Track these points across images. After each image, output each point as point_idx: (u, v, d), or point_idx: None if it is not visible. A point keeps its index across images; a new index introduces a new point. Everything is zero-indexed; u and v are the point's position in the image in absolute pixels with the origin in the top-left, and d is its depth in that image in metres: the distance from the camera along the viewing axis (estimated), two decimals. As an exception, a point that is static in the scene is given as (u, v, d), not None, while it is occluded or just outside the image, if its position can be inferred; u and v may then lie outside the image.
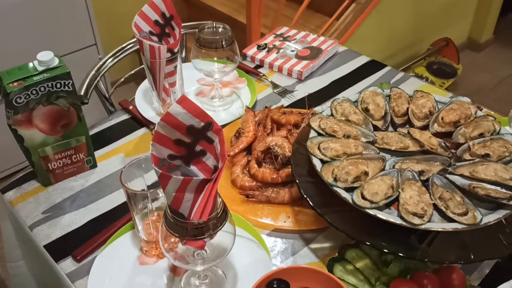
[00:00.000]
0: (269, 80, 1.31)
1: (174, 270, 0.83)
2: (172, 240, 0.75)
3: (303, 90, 1.28)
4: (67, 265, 0.84)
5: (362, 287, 0.79)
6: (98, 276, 0.81)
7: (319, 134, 0.88)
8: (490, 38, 3.35)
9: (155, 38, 1.09)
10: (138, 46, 1.26)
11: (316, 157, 0.82)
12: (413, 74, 2.65)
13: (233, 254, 0.85)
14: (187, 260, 0.75)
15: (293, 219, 0.91)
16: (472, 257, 0.72)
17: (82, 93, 1.16)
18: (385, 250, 0.74)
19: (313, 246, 0.88)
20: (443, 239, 0.75)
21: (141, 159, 0.81)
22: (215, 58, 1.14)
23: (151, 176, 0.83)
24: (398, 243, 0.74)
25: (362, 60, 1.40)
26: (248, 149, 1.03)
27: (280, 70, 1.35)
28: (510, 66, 3.18)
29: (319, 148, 0.84)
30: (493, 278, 0.79)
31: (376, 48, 2.65)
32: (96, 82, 1.24)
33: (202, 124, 0.64)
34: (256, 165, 0.97)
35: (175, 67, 1.10)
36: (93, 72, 1.24)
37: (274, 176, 0.95)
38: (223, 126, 1.13)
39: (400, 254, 0.73)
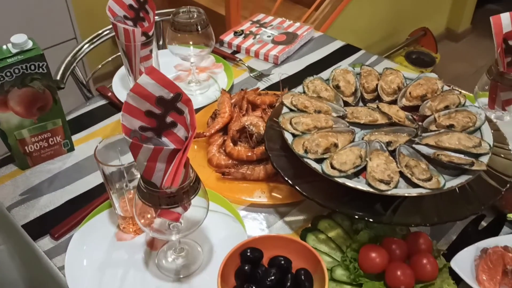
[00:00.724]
0: (246, 65, 1.33)
1: (151, 245, 0.85)
2: (149, 216, 0.77)
3: (278, 74, 1.30)
4: (45, 243, 0.85)
5: (334, 254, 0.81)
6: (76, 252, 0.82)
7: (291, 110, 0.90)
8: (468, 28, 3.41)
9: (129, 23, 1.10)
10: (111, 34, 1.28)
11: (288, 132, 0.85)
12: (386, 56, 2.68)
13: (209, 228, 0.87)
14: (164, 233, 0.77)
15: (268, 194, 0.93)
16: (436, 219, 0.75)
17: (58, 77, 1.17)
18: (354, 216, 0.76)
19: (287, 219, 0.90)
20: (409, 204, 0.77)
21: (116, 140, 0.83)
22: (191, 42, 1.16)
23: (128, 158, 0.84)
24: (366, 210, 0.77)
25: (337, 44, 1.43)
26: (224, 130, 1.05)
27: (256, 55, 1.37)
28: (487, 55, 3.24)
29: (290, 123, 0.86)
30: (459, 244, 0.82)
31: (355, 39, 2.68)
32: (72, 67, 1.25)
33: (172, 95, 0.66)
34: (231, 144, 0.99)
35: (151, 51, 1.11)
36: (69, 58, 1.24)
37: (249, 154, 0.97)
38: (200, 109, 1.15)
39: (368, 219, 0.76)
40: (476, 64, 3.15)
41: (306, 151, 0.81)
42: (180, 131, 0.69)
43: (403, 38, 3.00)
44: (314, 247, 0.81)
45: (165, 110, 0.67)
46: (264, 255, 0.77)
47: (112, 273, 0.80)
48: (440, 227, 0.87)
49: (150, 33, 1.08)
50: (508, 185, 0.80)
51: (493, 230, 0.86)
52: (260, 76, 1.29)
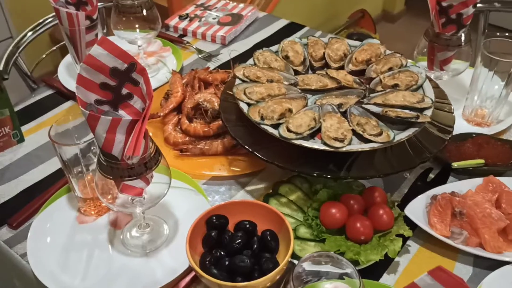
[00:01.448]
0: (194, 47, 1.34)
1: (115, 224, 0.84)
2: (109, 196, 0.77)
3: (227, 54, 1.31)
4: (3, 233, 0.83)
5: (296, 215, 0.84)
6: (37, 239, 0.80)
7: (244, 82, 0.92)
8: (402, 10, 3.55)
9: (72, 8, 1.07)
10: (57, 21, 1.24)
11: (243, 102, 0.86)
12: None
13: (172, 203, 0.87)
14: (129, 209, 0.77)
15: (228, 167, 0.94)
16: (388, 170, 0.80)
17: (1, 68, 1.12)
18: (313, 175, 0.80)
19: (248, 188, 0.92)
20: (362, 159, 0.81)
21: (70, 127, 0.82)
22: (137, 26, 1.15)
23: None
24: (323, 169, 0.80)
25: (282, 23, 1.46)
26: (178, 109, 1.05)
27: (203, 37, 1.37)
28: (422, 34, 3.41)
29: (245, 94, 0.88)
30: (411, 195, 0.87)
31: (298, 21, 2.74)
32: (15, 57, 1.20)
33: (126, 65, 0.65)
34: (187, 121, 1.00)
35: (96, 35, 1.09)
36: (10, 47, 1.20)
37: (206, 129, 0.98)
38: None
39: (326, 176, 0.79)
40: (413, 43, 3.22)
41: (262, 118, 0.83)
42: (137, 103, 0.69)
43: (343, 20, 3.09)
44: (276, 210, 0.84)
45: (120, 81, 0.66)
46: (230, 221, 0.79)
47: (77, 255, 0.79)
48: (393, 182, 0.92)
49: (94, 17, 1.07)
50: (450, 134, 0.85)
51: (441, 180, 0.92)
52: (209, 56, 1.30)
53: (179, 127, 1.01)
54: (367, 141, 0.79)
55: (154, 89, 1.15)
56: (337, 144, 0.78)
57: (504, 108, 1.06)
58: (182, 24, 1.41)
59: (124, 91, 0.68)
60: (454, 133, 0.98)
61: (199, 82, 1.10)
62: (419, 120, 0.81)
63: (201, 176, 0.94)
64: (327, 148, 0.78)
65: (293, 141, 0.79)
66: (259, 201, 0.80)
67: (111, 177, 0.69)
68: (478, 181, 0.88)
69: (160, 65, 1.26)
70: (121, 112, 0.70)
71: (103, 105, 0.68)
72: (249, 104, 0.86)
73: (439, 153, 0.94)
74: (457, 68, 1.03)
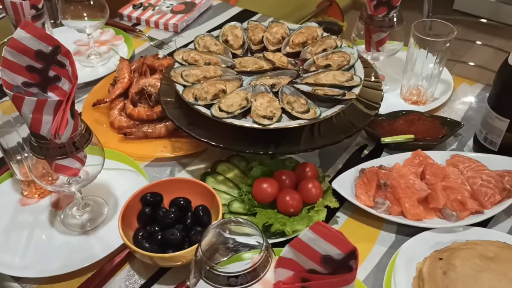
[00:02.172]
0: (146, 35, 1.36)
1: (56, 205, 0.87)
2: (50, 178, 0.79)
3: (180, 42, 1.34)
4: None
5: (232, 192, 0.88)
6: (-22, 221, 0.83)
7: (183, 65, 0.95)
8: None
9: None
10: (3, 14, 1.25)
11: (179, 84, 0.89)
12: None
13: (112, 184, 0.90)
14: (66, 189, 0.79)
15: (170, 149, 0.98)
16: (316, 145, 0.83)
17: None
18: (244, 151, 0.83)
19: (189, 168, 0.95)
20: (293, 136, 0.85)
21: (11, 119, 0.84)
22: (85, 15, 1.17)
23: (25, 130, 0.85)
24: (254, 146, 0.84)
25: (235, 10, 1.49)
26: (125, 95, 1.08)
27: (156, 25, 1.40)
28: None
29: (182, 77, 0.91)
30: (344, 170, 0.91)
31: (268, 10, 2.77)
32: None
33: (50, 48, 0.68)
34: (131, 106, 1.03)
35: (43, 24, 1.11)
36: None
37: (149, 113, 1.01)
38: (101, 78, 1.17)
39: (255, 152, 0.83)
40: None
41: (196, 99, 0.86)
42: (65, 85, 0.72)
43: (311, 9, 3.12)
44: (213, 188, 0.87)
45: (46, 64, 0.69)
46: (165, 199, 0.82)
47: (18, 235, 0.82)
48: (329, 159, 0.96)
49: (40, 6, 1.08)
50: (377, 110, 0.90)
51: (374, 156, 0.96)
52: (161, 44, 1.33)
53: (124, 111, 1.04)
54: (295, 118, 0.83)
55: (104, 76, 1.17)
56: (266, 121, 0.82)
57: (440, 87, 1.11)
58: (136, 13, 1.43)
59: (51, 73, 0.70)
60: (392, 111, 1.04)
61: (146, 68, 1.13)
62: (345, 98, 0.85)
63: (144, 158, 0.97)
64: (255, 125, 0.81)
65: (224, 120, 0.82)
66: (192, 179, 0.84)
67: (42, 157, 0.71)
68: (408, 155, 0.93)
69: (112, 53, 1.28)
70: (50, 94, 0.72)
71: (31, 87, 0.70)
72: (185, 86, 0.89)
73: (373, 130, 0.99)
74: (392, 49, 1.08)
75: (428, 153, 0.92)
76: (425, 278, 0.71)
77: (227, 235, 0.64)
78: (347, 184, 0.87)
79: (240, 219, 0.58)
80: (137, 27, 1.41)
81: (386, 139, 0.95)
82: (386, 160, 0.92)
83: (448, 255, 0.73)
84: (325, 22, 3.06)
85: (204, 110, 0.84)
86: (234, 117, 0.83)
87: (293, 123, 0.82)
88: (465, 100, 1.11)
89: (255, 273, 0.55)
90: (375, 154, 0.97)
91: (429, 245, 0.78)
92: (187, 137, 0.98)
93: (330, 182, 0.87)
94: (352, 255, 0.49)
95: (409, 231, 0.81)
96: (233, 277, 0.55)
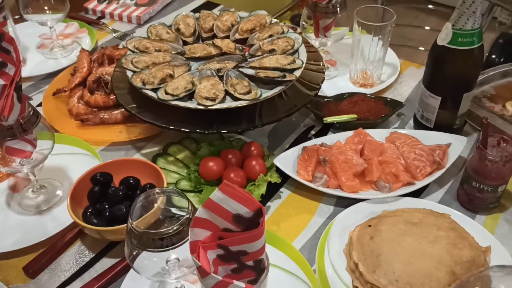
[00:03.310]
0: (110, 28, 1.40)
1: (13, 188, 0.91)
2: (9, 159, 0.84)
3: (143, 33, 1.37)
4: None
5: (182, 171, 0.92)
6: None
7: (134, 53, 0.99)
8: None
9: (-24, -8, 1.12)
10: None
11: (129, 70, 0.94)
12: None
13: (68, 167, 0.95)
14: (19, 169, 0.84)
15: (126, 133, 1.02)
16: (257, 123, 0.88)
17: None
18: (187, 130, 0.88)
19: (143, 151, 1.00)
20: (236, 115, 0.89)
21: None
22: (46, 8, 1.21)
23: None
24: (199, 126, 0.88)
25: (198, 2, 1.53)
26: (85, 84, 1.12)
27: (120, 18, 1.44)
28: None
29: (132, 63, 0.95)
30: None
31: (243, 4, 2.81)
32: None
33: (-6, 35, 0.72)
34: (89, 94, 1.07)
35: (4, 17, 1.15)
36: None
37: (105, 100, 1.05)
38: (63, 69, 1.21)
39: (201, 131, 0.87)
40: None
41: (144, 83, 0.90)
42: (11, 70, 0.76)
43: (287, 1, 3.16)
44: (163, 168, 0.92)
45: (-9, 51, 0.73)
46: (116, 178, 0.87)
47: (-26, 216, 0.86)
48: (276, 139, 1.01)
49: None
50: (317, 91, 0.94)
51: (320, 136, 1.01)
52: (123, 36, 1.37)
53: (82, 99, 1.08)
54: (238, 99, 0.88)
55: (66, 67, 1.22)
56: (208, 103, 0.86)
57: (387, 70, 1.17)
58: (100, 7, 1.47)
59: (-3, 59, 0.74)
60: (338, 93, 1.09)
61: (104, 58, 1.17)
62: (285, 79, 0.90)
63: (101, 143, 1.01)
64: (199, 106, 0.86)
65: (170, 102, 0.87)
66: (141, 159, 0.88)
67: (-9, 139, 0.75)
68: (351, 133, 0.98)
69: (75, 45, 1.32)
70: (-3, 79, 0.76)
71: (-22, 73, 0.75)
72: (134, 72, 0.93)
73: (319, 111, 1.03)
74: (338, 34, 1.12)
75: (370, 131, 0.97)
76: (353, 243, 0.76)
77: (171, 209, 0.68)
78: (290, 161, 0.92)
79: (165, 188, 0.63)
80: (102, 20, 1.44)
81: (328, 119, 1.00)
82: (330, 138, 0.97)
83: (376, 222, 0.78)
84: (299, 15, 3.10)
85: (151, 93, 0.89)
86: (180, 99, 0.88)
87: (235, 104, 0.87)
88: (411, 83, 1.16)
89: (180, 235, 0.60)
90: (321, 134, 1.02)
91: (363, 215, 0.83)
92: (141, 122, 1.02)
93: (277, 160, 0.92)
94: (259, 212, 0.54)
95: (346, 203, 0.86)
96: (159, 239, 0.59)
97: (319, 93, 1.09)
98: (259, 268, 0.58)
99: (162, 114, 0.90)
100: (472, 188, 0.82)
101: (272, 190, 0.90)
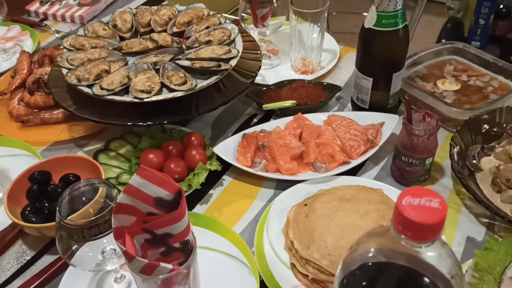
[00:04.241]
0: (53, 29, 1.39)
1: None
2: None
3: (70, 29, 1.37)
4: None
5: (124, 166, 0.93)
6: None
7: (70, 51, 0.99)
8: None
9: None
10: None
11: (64, 68, 0.94)
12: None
13: (10, 169, 0.95)
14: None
15: (67, 132, 1.02)
16: (193, 112, 0.89)
17: None
18: (123, 124, 0.89)
19: (86, 148, 1.00)
20: (174, 107, 0.90)
21: None
22: (-17, 11, 1.19)
23: None
24: (136, 119, 0.89)
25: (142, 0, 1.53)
26: (25, 86, 1.11)
27: (63, 18, 1.43)
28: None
29: (68, 61, 0.95)
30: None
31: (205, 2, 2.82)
32: None
33: None
34: (28, 94, 1.06)
35: None
36: None
37: (45, 100, 1.05)
38: (4, 72, 1.19)
39: (134, 124, 0.88)
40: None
41: (79, 80, 0.91)
42: None
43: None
44: (105, 163, 0.92)
45: None
46: (56, 176, 0.87)
47: None
48: (219, 128, 1.03)
49: None
50: (253, 79, 0.96)
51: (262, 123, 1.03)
52: (66, 36, 1.35)
53: (23, 101, 1.07)
54: (173, 90, 0.89)
55: (8, 70, 1.20)
56: (144, 95, 0.87)
57: (328, 57, 1.20)
58: (43, 8, 1.45)
59: None
60: (278, 81, 1.11)
61: (45, 59, 1.16)
62: (220, 68, 0.91)
63: (43, 143, 1.01)
64: (134, 99, 0.87)
65: (105, 97, 0.87)
66: (79, 155, 0.88)
67: None
68: (290, 119, 1.00)
69: (18, 48, 1.30)
70: None
71: None
72: (70, 69, 0.93)
73: (260, 99, 1.06)
74: (275, 23, 1.15)
75: (310, 115, 1.00)
76: (290, 222, 0.79)
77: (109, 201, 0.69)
78: (231, 149, 0.94)
79: (91, 180, 0.64)
80: (45, 21, 1.43)
81: (268, 105, 1.02)
82: (270, 125, 0.99)
83: (311, 201, 0.81)
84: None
85: (86, 89, 0.89)
86: (115, 94, 0.88)
87: (171, 95, 0.88)
88: (350, 67, 1.19)
89: (108, 224, 0.61)
90: (263, 122, 1.04)
91: (301, 196, 0.85)
92: (80, 119, 1.02)
93: (219, 149, 0.94)
94: (179, 194, 0.55)
95: (287, 186, 0.88)
96: (87, 229, 0.60)
97: (261, 82, 1.12)
98: (187, 249, 0.60)
99: (99, 110, 0.90)
100: (402, 162, 0.85)
101: (214, 178, 0.92)
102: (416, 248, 0.37)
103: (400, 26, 0.89)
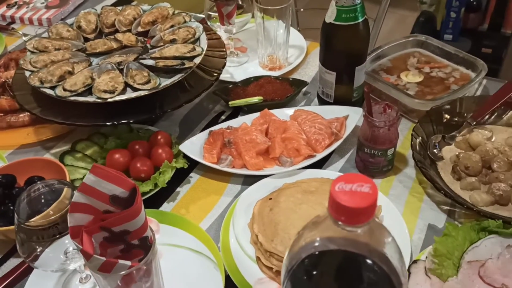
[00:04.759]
0: (20, 32, 1.38)
1: None
2: None
3: (35, 30, 1.36)
4: None
5: (90, 167, 0.92)
6: None
7: (34, 53, 0.98)
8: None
9: None
10: None
11: (27, 70, 0.93)
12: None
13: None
14: None
15: (34, 134, 1.01)
16: (158, 111, 0.90)
17: None
18: (90, 125, 0.89)
19: (53, 151, 0.99)
20: (139, 107, 0.91)
21: None
22: None
23: None
24: (101, 119, 0.89)
25: (111, 1, 1.52)
26: (-9, 90, 1.10)
27: (31, 21, 1.41)
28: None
29: (31, 63, 0.95)
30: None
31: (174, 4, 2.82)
32: None
33: None
34: (-7, 99, 1.05)
35: None
36: None
37: (11, 104, 1.04)
38: (-31, 77, 1.18)
39: (100, 124, 0.88)
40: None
41: (42, 82, 0.90)
42: None
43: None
44: (71, 164, 0.92)
45: None
46: (22, 179, 0.86)
47: None
48: (187, 126, 1.03)
49: None
50: (217, 76, 0.97)
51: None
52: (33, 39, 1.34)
53: (-12, 105, 1.06)
54: (137, 89, 0.89)
55: (-27, 75, 1.19)
56: (107, 95, 0.87)
57: (295, 53, 1.21)
58: (10, 12, 1.44)
59: None
60: (245, 78, 1.12)
61: (10, 63, 1.15)
62: (184, 67, 0.92)
63: (9, 147, 1.00)
64: (97, 100, 0.87)
65: (68, 98, 0.87)
66: (44, 157, 0.88)
67: None
68: (257, 115, 1.01)
69: (-16, 53, 1.29)
70: None
71: None
72: (32, 72, 0.93)
73: (227, 96, 1.06)
74: (241, 21, 1.16)
75: (276, 111, 1.01)
76: (255, 216, 0.79)
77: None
78: (198, 146, 0.94)
79: (50, 181, 0.64)
80: (13, 25, 1.42)
81: (234, 102, 1.03)
82: (237, 121, 1.00)
83: (276, 194, 0.82)
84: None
85: (49, 91, 0.89)
86: (79, 94, 0.88)
87: (134, 94, 0.88)
88: (317, 62, 1.20)
89: (66, 224, 0.61)
90: (231, 119, 1.04)
91: (267, 190, 0.86)
92: (49, 122, 1.02)
93: (186, 147, 0.94)
94: (134, 191, 0.56)
95: (253, 181, 0.89)
96: (41, 229, 0.60)
97: (229, 79, 1.13)
98: (146, 246, 0.60)
99: (63, 111, 0.90)
100: (365, 154, 0.87)
101: (182, 176, 0.92)
102: (352, 231, 0.38)
103: (360, 20, 0.91)
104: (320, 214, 0.43)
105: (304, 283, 0.43)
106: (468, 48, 2.53)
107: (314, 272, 0.43)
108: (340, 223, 0.38)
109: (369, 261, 0.40)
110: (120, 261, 0.56)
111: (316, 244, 0.42)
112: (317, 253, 0.42)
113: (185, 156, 0.92)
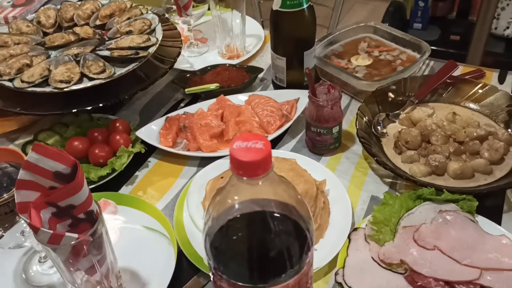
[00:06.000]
0: (-14, 30, 1.40)
1: None
2: None
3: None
4: None
5: (51, 155, 0.96)
6: None
7: (-6, 49, 1.01)
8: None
9: None
10: None
11: (-13, 65, 0.96)
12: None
13: None
14: None
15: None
16: (112, 100, 0.94)
17: None
18: (49, 113, 0.92)
19: (17, 142, 1.03)
20: (96, 96, 0.94)
21: None
22: None
23: None
24: (58, 108, 0.93)
25: (77, -3, 1.55)
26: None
27: (-4, 20, 1.44)
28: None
29: (-10, 59, 0.98)
30: (157, 122, 1.02)
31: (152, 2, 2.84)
32: None
33: None
34: (-43, 94, 1.08)
35: None
36: None
37: (-25, 98, 1.07)
38: None
39: (59, 112, 0.92)
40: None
41: (1, 75, 0.93)
42: None
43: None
44: (32, 154, 0.95)
45: None
46: (-17, 169, 0.89)
47: None
48: (147, 114, 1.07)
49: None
50: (171, 65, 1.01)
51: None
52: None
53: (-47, 101, 1.09)
54: (92, 79, 0.93)
55: None
56: (63, 85, 0.91)
57: (253, 41, 1.25)
58: (-25, 11, 1.46)
59: None
60: (203, 67, 1.16)
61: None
62: (138, 56, 0.96)
63: (-27, 140, 1.03)
64: (54, 90, 0.90)
65: (26, 89, 0.91)
66: (4, 146, 0.91)
67: None
68: (214, 101, 1.05)
69: (-50, 51, 1.31)
70: None
71: None
72: (-7, 67, 0.96)
73: (185, 85, 1.10)
74: (198, 12, 1.20)
75: (232, 97, 1.05)
76: (207, 194, 0.84)
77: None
78: (155, 132, 0.98)
79: (3, 163, 0.67)
80: (-21, 24, 1.44)
81: (190, 89, 1.07)
82: (194, 108, 1.04)
83: (227, 173, 0.86)
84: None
85: (7, 83, 0.92)
86: (36, 85, 0.92)
87: (89, 83, 0.92)
88: (274, 50, 1.25)
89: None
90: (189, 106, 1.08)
91: (221, 170, 0.90)
92: (12, 114, 1.05)
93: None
94: (76, 167, 0.60)
95: (209, 163, 0.93)
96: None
97: (190, 69, 1.17)
98: (92, 219, 0.64)
99: (22, 102, 0.94)
100: (312, 133, 0.92)
101: (141, 161, 0.96)
102: (253, 184, 0.43)
103: (305, 6, 0.95)
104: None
105: (224, 251, 0.47)
106: (437, 36, 2.59)
107: (230, 236, 0.47)
108: (242, 178, 0.42)
109: (276, 212, 0.45)
110: (67, 234, 0.60)
111: (227, 206, 0.46)
112: (229, 217, 0.46)
113: (143, 142, 0.96)
